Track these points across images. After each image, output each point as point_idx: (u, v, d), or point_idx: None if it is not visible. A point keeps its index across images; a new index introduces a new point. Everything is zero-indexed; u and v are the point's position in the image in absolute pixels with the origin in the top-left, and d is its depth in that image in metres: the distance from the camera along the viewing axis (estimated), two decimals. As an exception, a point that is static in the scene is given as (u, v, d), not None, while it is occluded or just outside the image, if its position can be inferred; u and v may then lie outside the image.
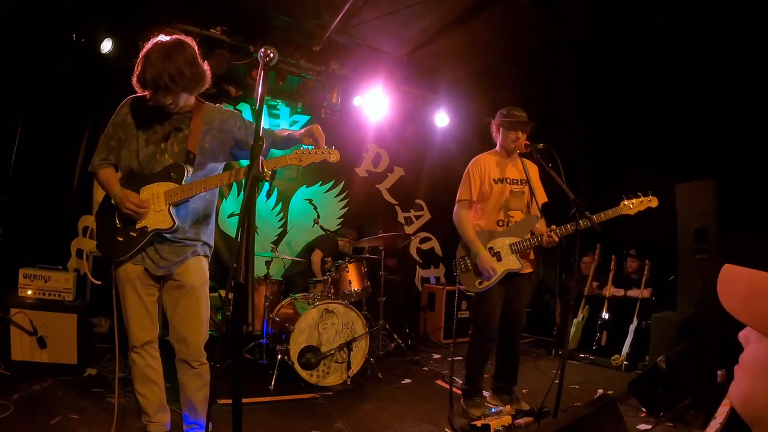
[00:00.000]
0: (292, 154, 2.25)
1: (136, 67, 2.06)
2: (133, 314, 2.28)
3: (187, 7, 4.33)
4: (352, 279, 4.30)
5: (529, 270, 3.33)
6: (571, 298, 4.97)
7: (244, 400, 3.24)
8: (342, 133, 5.84)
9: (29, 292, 3.54)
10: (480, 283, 3.19)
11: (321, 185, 6.05)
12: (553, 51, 4.75)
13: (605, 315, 5.14)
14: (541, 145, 3.06)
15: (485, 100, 5.98)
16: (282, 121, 5.81)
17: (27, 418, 2.71)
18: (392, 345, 4.91)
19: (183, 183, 2.20)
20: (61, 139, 4.37)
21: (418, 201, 6.83)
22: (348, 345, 3.79)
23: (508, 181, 3.30)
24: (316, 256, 5.28)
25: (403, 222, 6.70)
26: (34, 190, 4.21)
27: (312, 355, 3.68)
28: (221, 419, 2.27)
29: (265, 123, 5.58)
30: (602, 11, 4.11)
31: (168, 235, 2.23)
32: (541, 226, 3.27)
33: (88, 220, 4.34)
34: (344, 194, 6.21)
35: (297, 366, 3.63)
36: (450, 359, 4.69)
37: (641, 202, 3.04)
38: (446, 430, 3.05)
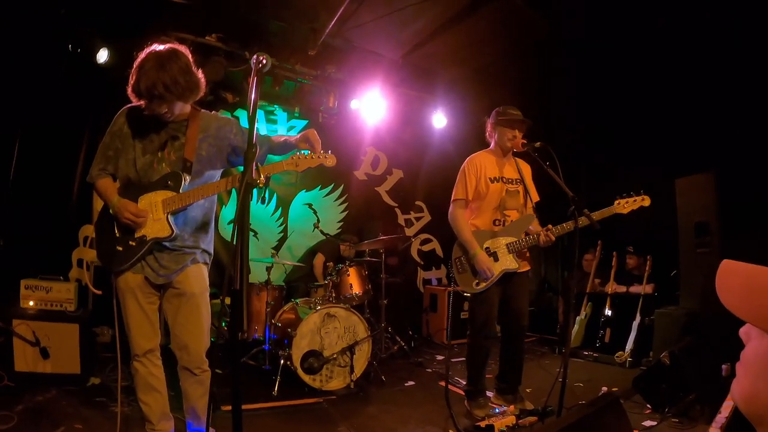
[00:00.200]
0: (288, 160, 2.25)
1: (130, 77, 2.07)
2: (134, 323, 2.28)
3: (183, 15, 4.33)
4: (354, 282, 4.30)
5: (527, 268, 3.32)
6: (571, 296, 4.96)
7: (248, 406, 3.26)
8: (340, 136, 5.85)
9: (31, 303, 3.54)
10: (477, 284, 3.18)
11: (320, 189, 6.05)
12: (550, 48, 4.75)
13: (608, 312, 5.13)
14: (538, 144, 3.07)
15: (483, 100, 5.96)
16: (280, 126, 5.82)
17: (31, 428, 2.71)
18: (395, 347, 4.91)
19: (180, 191, 2.20)
20: (59, 149, 4.38)
21: (417, 203, 6.82)
22: (350, 349, 3.78)
23: (504, 180, 3.30)
24: (318, 260, 5.28)
25: (404, 224, 6.69)
26: (34, 201, 4.21)
27: (315, 360, 3.67)
28: (226, 426, 2.26)
29: (262, 128, 5.60)
30: (598, 7, 4.11)
31: (167, 244, 2.23)
32: (534, 225, 3.28)
33: (89, 230, 4.34)
34: (344, 198, 6.21)
35: (300, 371, 3.63)
36: (446, 359, 4.69)
37: (634, 201, 3.06)
38: (450, 431, 3.05)
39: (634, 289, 5.14)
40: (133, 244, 2.19)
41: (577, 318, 5.35)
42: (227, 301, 3.62)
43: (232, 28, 4.65)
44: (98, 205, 2.49)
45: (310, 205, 5.25)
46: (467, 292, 3.27)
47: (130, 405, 2.96)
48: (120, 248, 2.21)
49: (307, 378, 3.64)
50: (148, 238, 2.19)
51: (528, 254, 3.35)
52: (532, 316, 3.79)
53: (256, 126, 1.71)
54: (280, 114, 5.82)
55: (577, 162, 5.65)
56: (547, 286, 6.84)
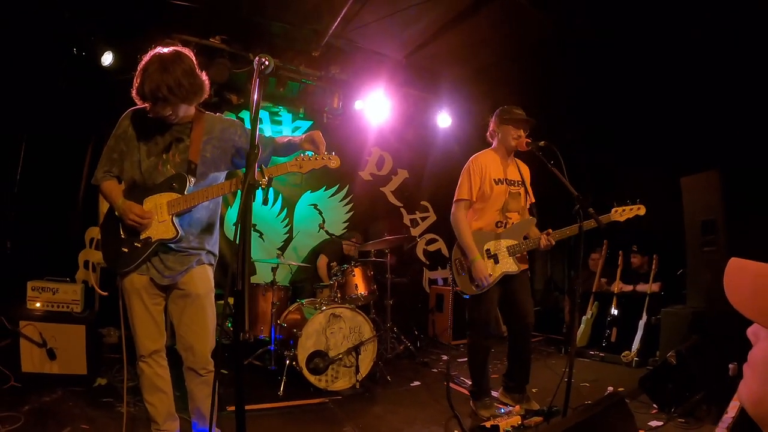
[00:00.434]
0: (292, 161, 2.25)
1: (134, 80, 2.08)
2: (140, 324, 2.29)
3: (187, 18, 4.36)
4: (359, 283, 4.30)
5: (525, 267, 3.30)
6: (577, 295, 4.94)
7: (253, 406, 3.27)
8: (344, 137, 5.85)
9: (38, 305, 3.56)
10: (476, 287, 3.17)
11: (325, 190, 6.06)
12: (554, 47, 4.73)
13: (614, 311, 5.11)
14: (542, 143, 3.05)
15: (487, 100, 5.95)
16: (285, 127, 5.83)
17: (38, 429, 2.73)
18: (401, 348, 4.90)
19: (185, 193, 2.21)
20: (65, 151, 4.41)
21: (423, 203, 6.82)
22: (356, 349, 3.78)
23: (508, 182, 3.28)
24: (322, 260, 5.29)
25: (409, 224, 6.69)
26: (41, 203, 4.24)
27: (320, 360, 3.68)
28: (231, 426, 2.27)
29: (267, 129, 5.61)
30: (602, 6, 4.09)
31: (172, 245, 2.24)
32: (533, 228, 3.28)
33: (95, 232, 4.37)
34: (349, 198, 6.22)
35: (305, 371, 3.63)
36: (447, 360, 4.68)
37: (630, 209, 3.09)
38: (455, 431, 3.04)
39: (641, 288, 5.11)
40: (139, 245, 2.21)
41: (584, 317, 5.33)
42: (230, 301, 3.64)
43: (236, 30, 4.67)
44: (104, 207, 2.51)
45: (315, 206, 5.26)
46: (466, 294, 3.26)
47: (136, 405, 2.98)
48: (125, 250, 2.22)
49: (312, 378, 3.65)
50: (153, 240, 2.20)
51: (526, 253, 3.33)
52: (538, 316, 3.77)
53: (258, 127, 1.71)
54: (285, 115, 5.84)
55: (581, 162, 5.62)
56: (553, 285, 6.82)
